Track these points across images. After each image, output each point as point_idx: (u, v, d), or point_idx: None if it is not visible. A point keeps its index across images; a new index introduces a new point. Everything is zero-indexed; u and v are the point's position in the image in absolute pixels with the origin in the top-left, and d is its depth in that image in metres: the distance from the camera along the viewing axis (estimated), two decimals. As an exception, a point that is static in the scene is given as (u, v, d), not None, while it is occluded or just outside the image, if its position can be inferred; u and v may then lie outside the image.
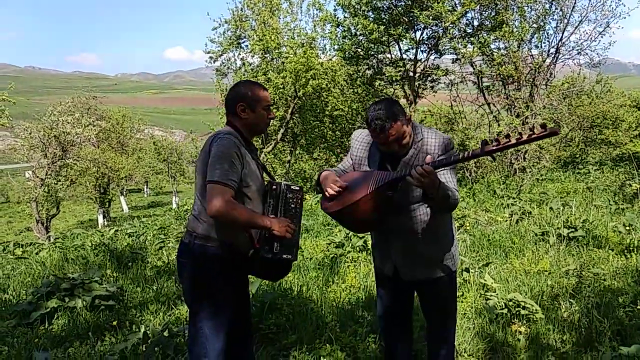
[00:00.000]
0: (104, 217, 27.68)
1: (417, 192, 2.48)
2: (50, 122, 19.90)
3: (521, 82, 13.18)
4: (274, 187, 2.53)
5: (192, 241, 2.48)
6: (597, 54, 14.31)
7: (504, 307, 3.98)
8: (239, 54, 18.09)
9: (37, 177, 19.91)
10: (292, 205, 2.55)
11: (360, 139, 2.70)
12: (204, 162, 2.39)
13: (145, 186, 45.05)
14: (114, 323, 3.83)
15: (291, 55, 15.84)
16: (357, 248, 5.47)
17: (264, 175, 2.66)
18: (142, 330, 3.52)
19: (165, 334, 3.57)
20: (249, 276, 2.74)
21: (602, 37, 14.00)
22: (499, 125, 12.05)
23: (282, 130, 17.74)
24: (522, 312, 3.89)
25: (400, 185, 2.46)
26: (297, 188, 2.59)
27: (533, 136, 2.09)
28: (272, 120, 2.65)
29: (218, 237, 2.44)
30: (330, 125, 18.07)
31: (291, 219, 2.53)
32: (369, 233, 3.07)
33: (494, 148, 2.18)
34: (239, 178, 2.37)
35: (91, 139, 21.86)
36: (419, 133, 2.51)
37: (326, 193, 2.52)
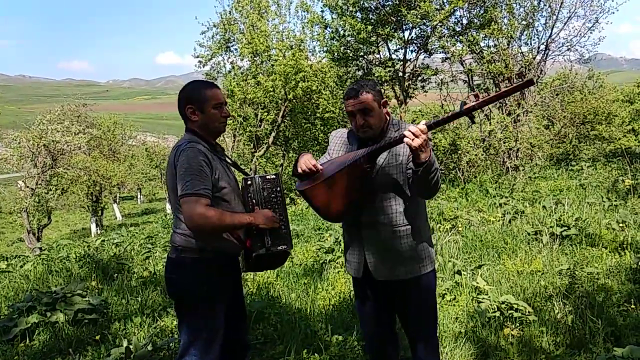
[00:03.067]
0: (97, 225, 27.43)
1: (394, 176, 2.45)
2: (39, 131, 19.69)
3: (512, 79, 13.14)
4: (249, 182, 2.50)
5: (179, 255, 2.40)
6: (587, 49, 14.33)
7: (496, 310, 3.91)
8: (229, 58, 18.02)
9: (28, 187, 19.69)
10: (273, 195, 2.51)
11: (337, 135, 2.73)
12: (173, 176, 2.31)
13: (138, 193, 44.76)
14: (97, 337, 3.72)
15: (280, 58, 15.76)
16: (347, 253, 5.37)
17: (237, 172, 2.62)
18: (125, 344, 3.42)
19: (149, 347, 3.47)
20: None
21: (591, 32, 14.02)
22: (490, 123, 12.02)
23: (273, 134, 17.63)
24: (515, 314, 3.82)
25: (379, 166, 2.44)
26: (273, 176, 2.55)
27: (511, 88, 2.12)
28: (227, 119, 2.50)
29: (204, 246, 2.37)
30: (322, 127, 18.00)
31: (274, 208, 2.48)
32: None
33: (474, 104, 2.14)
34: (211, 185, 2.30)
35: (81, 147, 21.64)
36: (397, 124, 2.54)
37: (298, 169, 2.46)
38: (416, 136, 2.10)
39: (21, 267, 6.01)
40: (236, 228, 2.39)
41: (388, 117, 2.53)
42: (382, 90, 2.57)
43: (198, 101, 2.40)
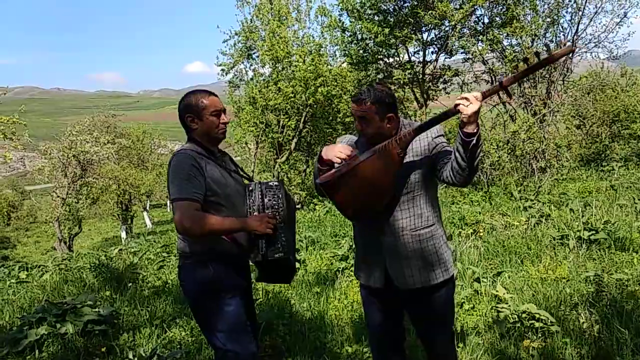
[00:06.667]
0: (127, 233, 27.92)
1: (418, 174, 2.37)
2: (69, 142, 20.20)
3: (537, 78, 12.75)
4: (250, 188, 2.49)
5: (184, 262, 2.44)
6: (616, 45, 13.81)
7: (516, 320, 3.71)
8: (251, 65, 18.12)
9: (59, 196, 20.21)
10: (274, 202, 2.46)
11: (344, 140, 2.63)
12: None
13: (168, 201, 45.43)
14: (103, 349, 3.69)
15: (300, 64, 15.75)
16: (362, 260, 5.22)
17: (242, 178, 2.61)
18: (129, 356, 3.38)
19: (154, 359, 3.41)
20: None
21: (619, 28, 13.51)
22: (515, 124, 11.67)
23: (295, 140, 17.60)
24: (537, 324, 3.62)
25: (406, 155, 2.34)
26: (276, 183, 2.53)
27: (550, 57, 2.08)
28: (226, 126, 2.52)
29: (207, 251, 2.38)
30: (344, 132, 17.88)
31: (274, 216, 2.43)
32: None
33: (511, 78, 2.15)
34: (202, 189, 2.31)
35: (110, 156, 22.10)
36: (408, 124, 2.44)
37: (333, 158, 2.33)
38: (470, 103, 2.09)
39: (40, 277, 6.08)
40: (226, 233, 2.37)
41: (398, 120, 2.43)
42: (396, 102, 2.45)
43: (197, 109, 2.44)
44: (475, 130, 2.10)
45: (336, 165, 2.37)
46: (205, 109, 2.44)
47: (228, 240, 2.40)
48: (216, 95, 2.53)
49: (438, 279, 2.43)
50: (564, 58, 13.12)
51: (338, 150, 2.34)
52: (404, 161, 2.36)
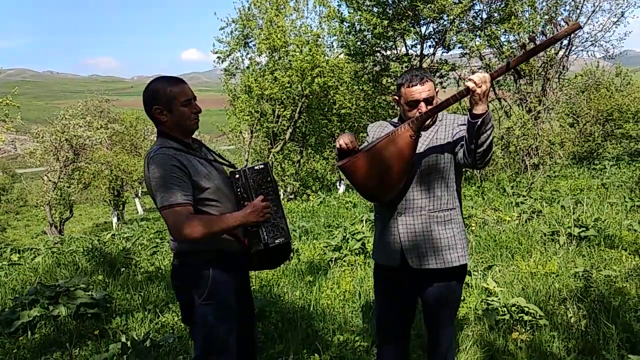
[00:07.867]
0: (119, 219, 27.82)
1: (438, 156, 2.40)
2: (62, 125, 20.03)
3: (533, 75, 12.79)
4: (237, 175, 2.37)
5: (180, 260, 2.32)
6: (612, 45, 13.88)
7: (505, 312, 3.76)
8: (247, 54, 18.04)
9: (50, 180, 20.08)
10: (264, 187, 2.38)
11: (376, 125, 2.65)
12: (149, 187, 2.21)
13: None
14: (95, 332, 3.70)
15: (297, 54, 15.71)
16: (355, 251, 5.27)
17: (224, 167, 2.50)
18: (122, 339, 3.39)
19: (147, 344, 3.43)
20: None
21: (616, 27, 13.57)
22: (509, 120, 11.74)
23: (290, 130, 17.57)
24: (525, 317, 3.68)
25: (423, 145, 2.40)
26: (262, 166, 2.41)
27: (557, 35, 2.13)
28: (198, 115, 2.31)
29: (203, 248, 2.28)
30: (339, 124, 17.88)
31: (266, 199, 2.34)
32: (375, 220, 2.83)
33: (518, 58, 2.20)
34: (190, 189, 2.17)
35: (103, 142, 21.94)
36: (438, 114, 2.50)
37: (337, 144, 2.38)
38: (482, 83, 2.10)
39: (32, 259, 6.07)
40: (227, 232, 2.26)
41: None
42: None
43: (165, 100, 2.21)
44: (482, 112, 2.13)
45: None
46: (175, 98, 2.21)
47: (228, 236, 2.31)
48: (185, 82, 2.30)
49: (454, 263, 2.43)
50: (566, 51, 13.19)
51: (343, 137, 2.37)
52: (429, 145, 2.41)
